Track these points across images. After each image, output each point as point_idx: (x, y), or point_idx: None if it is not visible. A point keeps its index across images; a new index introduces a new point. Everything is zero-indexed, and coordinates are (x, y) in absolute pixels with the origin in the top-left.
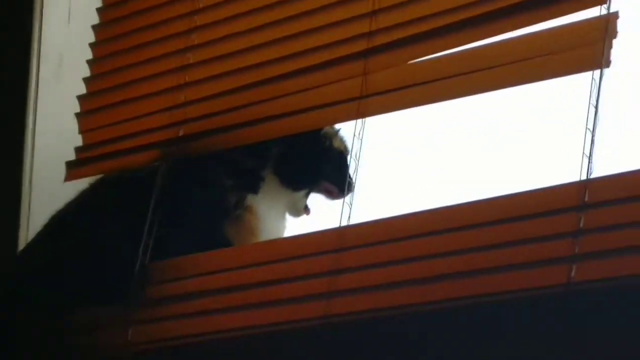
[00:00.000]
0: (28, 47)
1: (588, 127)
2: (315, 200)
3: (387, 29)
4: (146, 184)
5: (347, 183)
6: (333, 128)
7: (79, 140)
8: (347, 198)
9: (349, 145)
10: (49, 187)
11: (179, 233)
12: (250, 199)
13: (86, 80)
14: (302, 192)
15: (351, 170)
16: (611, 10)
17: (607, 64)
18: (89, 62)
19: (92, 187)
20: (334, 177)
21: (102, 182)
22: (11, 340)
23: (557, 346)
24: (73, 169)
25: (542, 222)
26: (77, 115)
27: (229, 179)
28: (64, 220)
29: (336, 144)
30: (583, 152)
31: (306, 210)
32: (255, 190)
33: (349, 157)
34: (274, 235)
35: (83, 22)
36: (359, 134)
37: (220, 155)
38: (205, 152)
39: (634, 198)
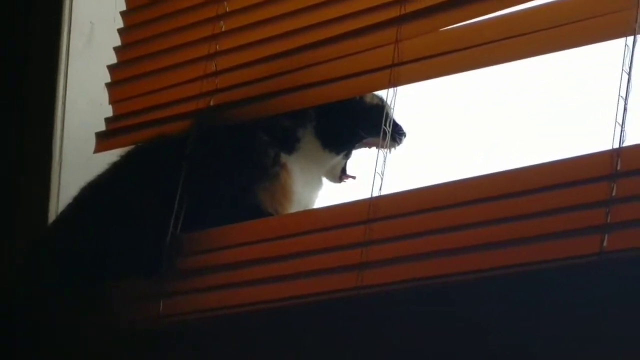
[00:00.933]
0: (59, 16)
1: (621, 94)
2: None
3: None
4: (177, 153)
5: (395, 131)
6: None
7: (109, 111)
8: (379, 168)
9: (384, 97)
10: (79, 158)
11: (210, 200)
12: (285, 158)
13: (117, 49)
14: (341, 155)
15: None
16: None
17: None
18: (119, 30)
19: (123, 158)
20: (376, 131)
21: (132, 153)
22: (42, 312)
23: (590, 316)
24: (103, 140)
25: (574, 191)
26: (108, 85)
27: (265, 136)
28: (94, 192)
29: (368, 99)
30: (615, 120)
31: (346, 176)
32: (289, 150)
33: (388, 109)
34: (306, 198)
35: None
36: (392, 102)
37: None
38: (237, 122)
39: None
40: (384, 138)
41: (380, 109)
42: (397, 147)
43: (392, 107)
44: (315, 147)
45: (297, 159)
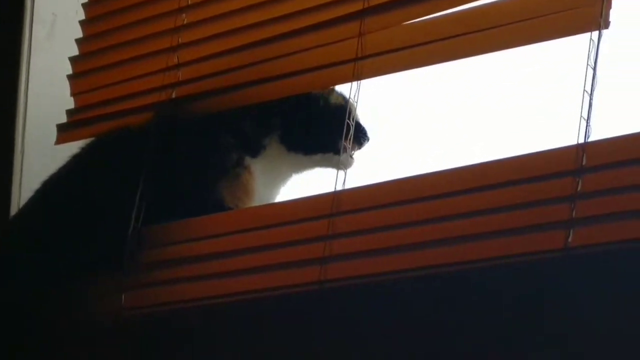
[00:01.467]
0: (21, 7)
1: (586, 89)
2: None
3: None
4: (139, 146)
5: (359, 133)
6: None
7: (71, 103)
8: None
9: (347, 96)
10: (41, 150)
11: (172, 193)
12: (249, 161)
13: (79, 41)
14: (317, 155)
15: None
16: None
17: (606, 24)
18: (81, 22)
19: (84, 150)
20: (336, 135)
21: (93, 145)
22: (2, 307)
23: (554, 311)
24: (64, 132)
25: (539, 186)
26: (69, 77)
27: (231, 138)
28: (56, 185)
29: (333, 100)
30: (581, 115)
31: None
32: (254, 154)
33: (350, 110)
34: (268, 195)
35: None
36: (355, 96)
37: (222, 115)
38: (198, 114)
39: (631, 161)
40: (347, 134)
41: (343, 109)
42: (359, 150)
43: (355, 103)
44: (280, 152)
45: (262, 161)
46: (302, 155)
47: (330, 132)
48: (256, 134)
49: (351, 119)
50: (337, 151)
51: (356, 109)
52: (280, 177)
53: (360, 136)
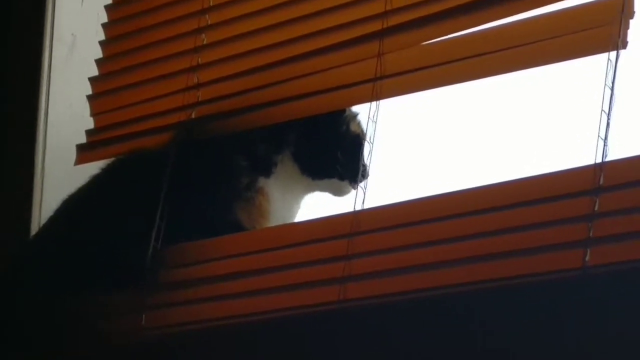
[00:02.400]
0: (41, 28)
1: (603, 109)
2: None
3: (403, 9)
4: (159, 166)
5: (360, 170)
6: (352, 111)
7: (91, 123)
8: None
9: (365, 129)
10: (61, 170)
11: (191, 214)
12: (263, 182)
13: (98, 61)
14: (324, 180)
15: (366, 154)
16: None
17: (624, 45)
18: (101, 43)
19: (104, 171)
20: (349, 164)
21: (113, 165)
22: (23, 326)
23: (572, 331)
24: (84, 152)
25: (556, 205)
26: (89, 97)
27: (243, 160)
28: (76, 205)
29: (353, 127)
30: (598, 135)
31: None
32: (267, 174)
33: (364, 142)
34: (286, 219)
35: (96, 2)
36: (374, 116)
37: (236, 136)
38: (219, 135)
39: None
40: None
41: (359, 139)
42: (351, 189)
43: (371, 137)
44: (293, 171)
45: (275, 182)
46: (310, 180)
47: (344, 158)
48: (268, 151)
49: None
50: (342, 178)
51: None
52: (294, 198)
53: (360, 174)
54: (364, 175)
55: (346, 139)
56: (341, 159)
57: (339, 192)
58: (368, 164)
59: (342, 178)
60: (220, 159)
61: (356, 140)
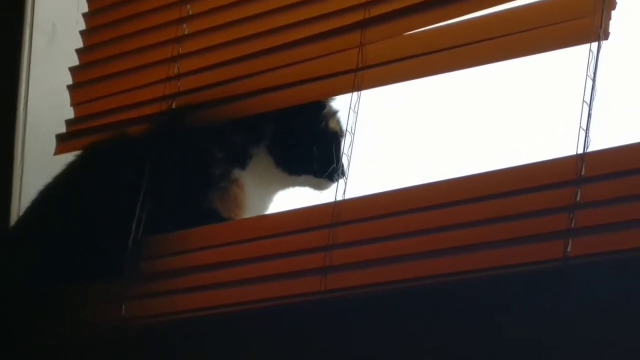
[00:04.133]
0: (21, 18)
1: (585, 100)
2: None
3: None
4: (138, 155)
5: (339, 167)
6: (332, 108)
7: (71, 113)
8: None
9: (344, 125)
10: (41, 160)
11: (168, 204)
12: (238, 173)
13: (79, 51)
14: (303, 177)
15: (346, 146)
16: None
17: (606, 35)
18: (82, 32)
19: (81, 158)
20: (325, 161)
21: (90, 153)
22: (3, 317)
23: (553, 321)
24: (64, 142)
25: (538, 196)
26: (69, 87)
27: (218, 151)
28: (54, 194)
29: (332, 124)
30: (580, 125)
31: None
32: (242, 166)
33: (342, 139)
34: (260, 212)
35: None
36: (355, 107)
37: (213, 127)
38: (199, 125)
39: (630, 171)
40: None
41: (337, 137)
42: (329, 186)
43: (352, 128)
44: (268, 165)
45: (250, 174)
46: (287, 175)
47: (320, 155)
48: (244, 142)
49: (344, 149)
50: (317, 175)
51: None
52: (270, 191)
53: (335, 173)
54: (342, 173)
55: (324, 136)
56: (317, 156)
57: (317, 187)
58: (349, 157)
59: (317, 175)
60: (196, 149)
61: (334, 138)
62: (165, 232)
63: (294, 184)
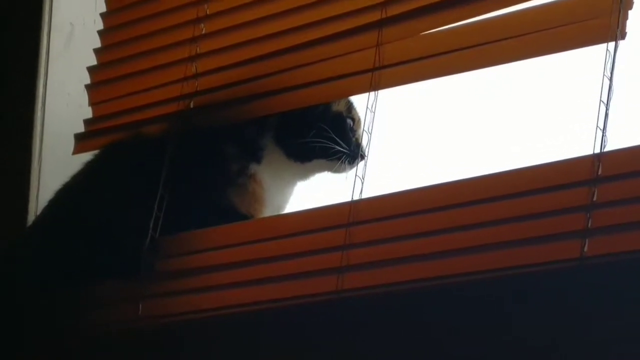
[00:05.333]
0: (39, 17)
1: (602, 99)
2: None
3: None
4: (155, 154)
5: (353, 147)
6: None
7: (89, 113)
8: (359, 171)
9: (353, 107)
10: (59, 160)
11: (186, 203)
12: (255, 168)
13: (97, 51)
14: (314, 162)
15: (364, 142)
16: None
17: (623, 35)
18: (99, 32)
19: (99, 158)
20: (332, 143)
21: (108, 152)
22: (20, 315)
23: (570, 321)
24: (82, 142)
25: (555, 195)
26: (87, 86)
27: (232, 147)
28: (71, 193)
29: (335, 106)
30: (597, 125)
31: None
32: (257, 159)
33: (349, 120)
34: (281, 205)
35: None
36: (372, 106)
37: (227, 124)
38: (217, 125)
39: None
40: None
41: (342, 118)
42: (351, 169)
43: (369, 127)
44: (280, 156)
45: (267, 168)
46: (299, 164)
47: (324, 138)
48: (254, 135)
49: (354, 129)
50: (330, 158)
51: (359, 119)
52: (287, 183)
53: (356, 152)
54: (362, 156)
55: (325, 119)
56: (320, 139)
57: (334, 170)
58: (367, 143)
59: (328, 158)
60: (211, 146)
61: (338, 119)
62: (184, 230)
63: (310, 172)
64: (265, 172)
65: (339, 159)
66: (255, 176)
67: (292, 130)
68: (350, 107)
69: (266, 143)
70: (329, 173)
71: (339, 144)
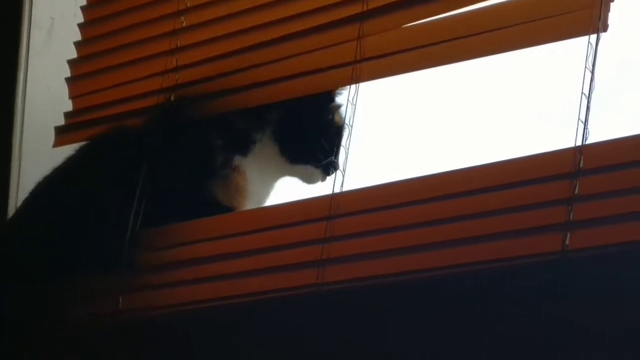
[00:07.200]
0: (19, 10)
1: (584, 92)
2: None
3: None
4: (136, 148)
5: (334, 161)
6: (337, 102)
7: (69, 106)
8: (341, 165)
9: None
10: (39, 152)
11: (168, 195)
12: (239, 160)
13: (77, 44)
14: (301, 166)
15: (344, 138)
16: None
17: (605, 27)
18: (80, 25)
19: (79, 152)
20: (328, 153)
21: (89, 146)
22: (1, 310)
23: (551, 314)
24: (62, 135)
25: (536, 188)
26: (68, 79)
27: (218, 138)
28: (52, 186)
29: (337, 118)
30: (578, 118)
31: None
32: (244, 152)
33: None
34: (262, 199)
35: None
36: (353, 99)
37: (212, 116)
38: (201, 116)
39: (629, 164)
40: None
41: (340, 131)
42: (322, 179)
43: (349, 120)
44: (272, 151)
45: (253, 161)
46: (288, 163)
47: (327, 147)
48: (247, 128)
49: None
50: (317, 165)
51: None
52: (271, 178)
53: (331, 166)
54: (335, 167)
55: (330, 128)
56: (323, 147)
57: (310, 179)
58: (347, 149)
59: (317, 165)
60: (194, 138)
61: (338, 131)
62: (166, 223)
63: (289, 173)
64: (251, 165)
65: (325, 169)
66: (239, 168)
67: (295, 130)
68: (343, 119)
69: (261, 137)
70: (300, 180)
71: (334, 155)
